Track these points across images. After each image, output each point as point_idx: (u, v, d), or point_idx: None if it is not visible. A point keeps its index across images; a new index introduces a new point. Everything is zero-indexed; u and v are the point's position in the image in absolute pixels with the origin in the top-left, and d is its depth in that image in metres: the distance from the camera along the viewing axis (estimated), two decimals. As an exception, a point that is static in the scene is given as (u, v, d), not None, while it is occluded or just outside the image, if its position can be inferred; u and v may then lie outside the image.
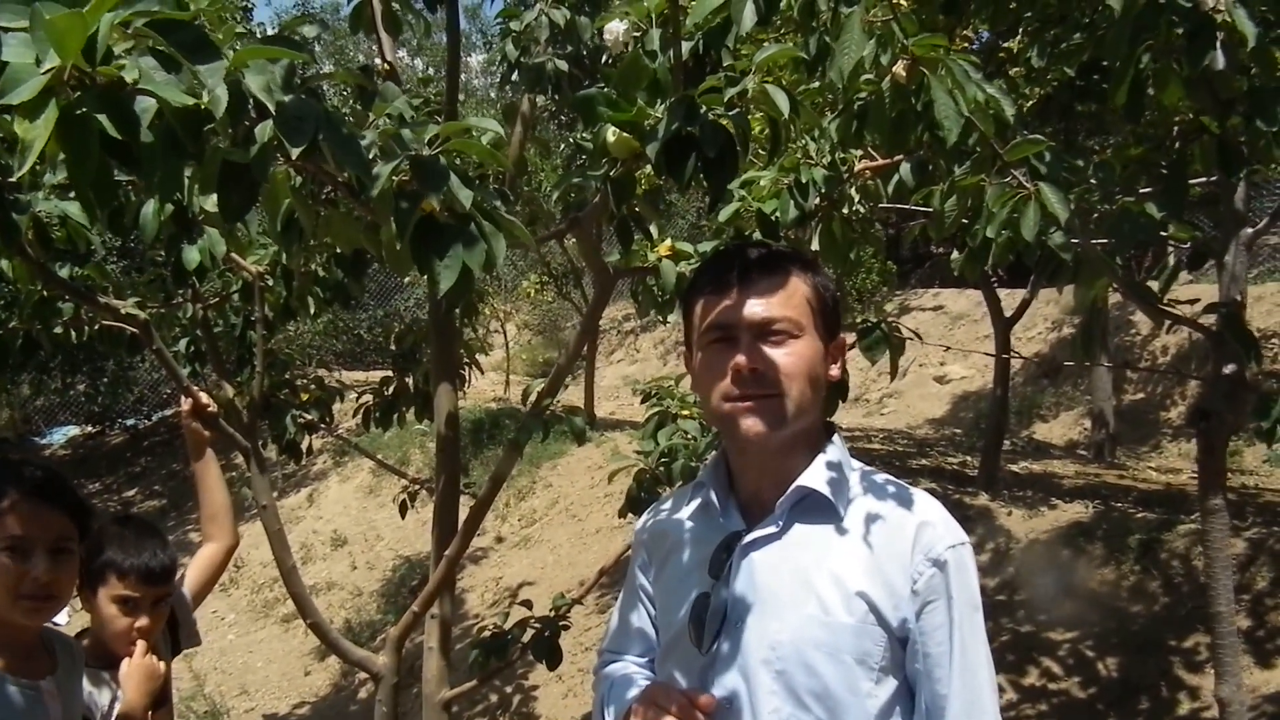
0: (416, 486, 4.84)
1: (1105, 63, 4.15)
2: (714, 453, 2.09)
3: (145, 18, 1.16)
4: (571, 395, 11.46)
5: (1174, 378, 11.66)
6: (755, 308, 1.76)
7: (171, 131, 1.21)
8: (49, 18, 1.07)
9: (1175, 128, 4.44)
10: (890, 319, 3.60)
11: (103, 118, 1.12)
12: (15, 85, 1.09)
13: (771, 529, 1.79)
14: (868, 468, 1.88)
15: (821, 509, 1.78)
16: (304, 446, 4.60)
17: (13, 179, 1.87)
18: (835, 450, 1.84)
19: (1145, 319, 12.35)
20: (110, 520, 2.69)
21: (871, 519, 1.76)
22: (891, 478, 1.86)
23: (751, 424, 1.75)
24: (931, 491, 1.85)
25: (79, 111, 1.13)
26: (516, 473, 9.81)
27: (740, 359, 1.75)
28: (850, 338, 3.27)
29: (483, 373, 5.05)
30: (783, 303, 1.77)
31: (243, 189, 1.51)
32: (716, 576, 1.80)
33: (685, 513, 1.95)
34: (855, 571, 1.71)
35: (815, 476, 1.78)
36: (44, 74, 1.11)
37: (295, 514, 11.35)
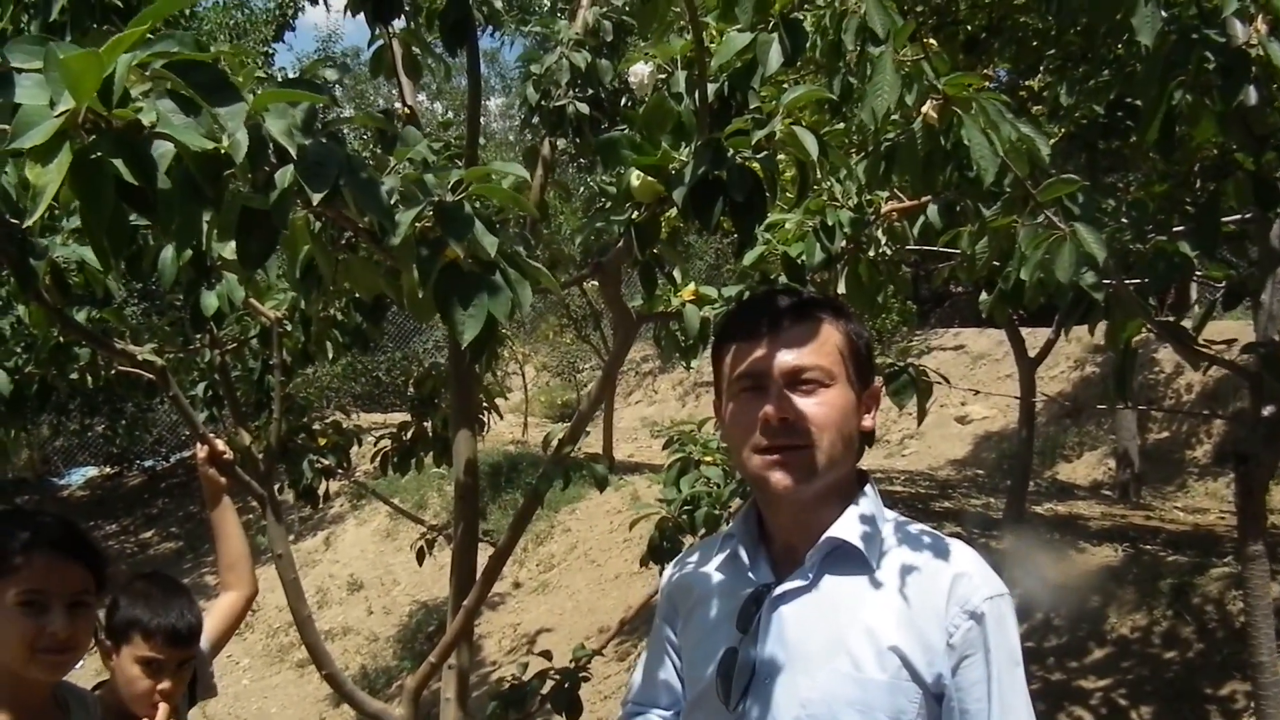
0: (435, 534, 4.78)
1: (1130, 100, 4.11)
2: (743, 503, 2.03)
3: (164, 59, 1.11)
4: (590, 439, 11.39)
5: (1199, 417, 11.55)
6: (785, 356, 1.71)
7: (190, 177, 1.16)
8: (63, 58, 1.02)
9: (1197, 164, 4.39)
10: (916, 362, 3.54)
11: (118, 162, 1.07)
12: (28, 128, 1.05)
13: (801, 582, 1.73)
14: (902, 518, 1.82)
15: (853, 561, 1.71)
16: (321, 491, 4.55)
17: (24, 225, 1.82)
18: (868, 501, 1.78)
19: (1169, 357, 12.27)
20: (136, 577, 2.63)
21: (905, 570, 1.70)
22: (926, 528, 1.79)
23: (781, 477, 1.69)
24: (956, 535, 1.78)
25: (93, 156, 1.08)
26: (535, 518, 9.73)
27: (769, 409, 1.69)
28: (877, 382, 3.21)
29: (501, 417, 5.00)
30: (814, 351, 1.72)
31: (262, 235, 1.46)
32: (745, 631, 1.74)
33: (713, 564, 1.90)
34: (888, 625, 1.65)
35: (847, 527, 1.72)
36: (58, 117, 1.06)
37: (311, 558, 11.30)
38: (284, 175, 1.36)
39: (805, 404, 1.69)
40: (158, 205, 1.13)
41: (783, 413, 1.69)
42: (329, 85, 1.47)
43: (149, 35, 1.10)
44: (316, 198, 1.35)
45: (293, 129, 1.29)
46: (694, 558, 1.98)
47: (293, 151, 1.30)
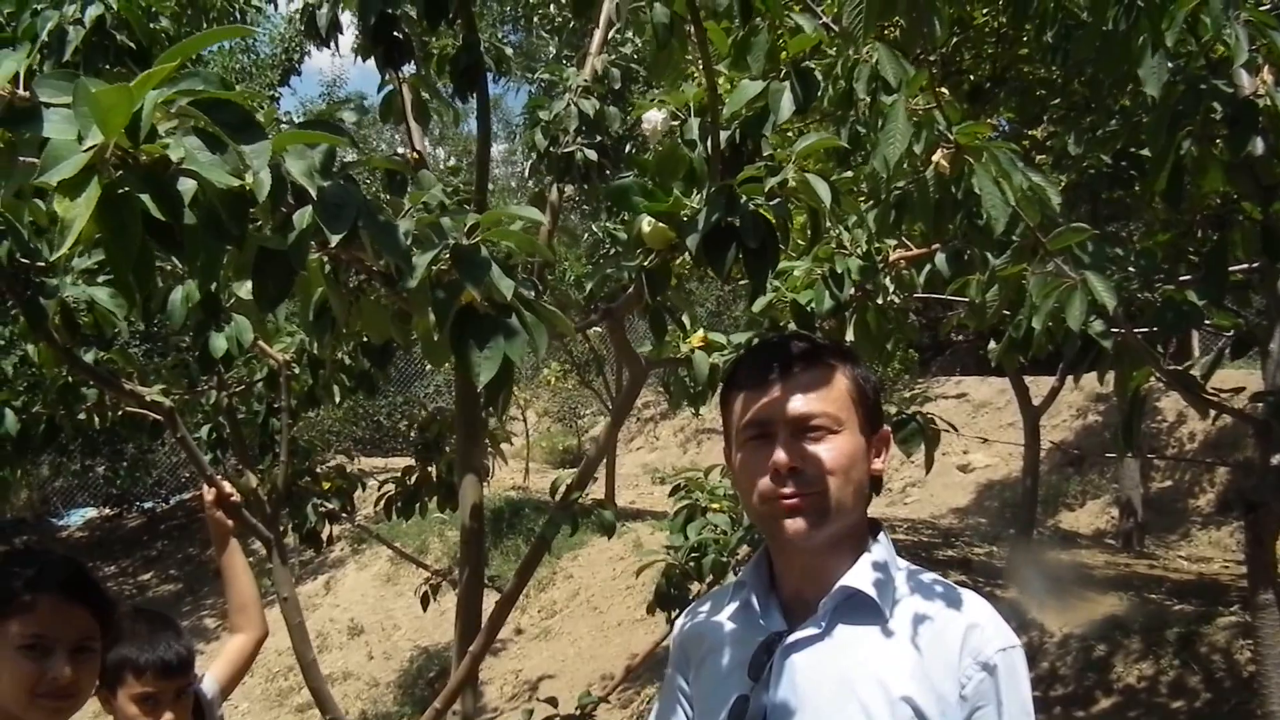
0: (439, 579, 4.75)
1: (1135, 150, 4.13)
2: (754, 551, 2.02)
3: (189, 96, 1.11)
4: (592, 485, 11.37)
5: (1202, 466, 11.52)
6: (794, 404, 1.70)
7: (214, 214, 1.16)
8: (94, 92, 1.02)
9: (1199, 214, 4.41)
10: (922, 410, 3.54)
11: (145, 198, 1.07)
12: (56, 162, 1.05)
13: (814, 630, 1.70)
14: (915, 567, 1.80)
15: (866, 610, 1.69)
16: (324, 535, 4.53)
17: (52, 259, 1.82)
18: (881, 549, 1.76)
19: (1171, 406, 12.26)
20: (121, 615, 2.62)
21: (918, 620, 1.68)
22: (940, 577, 1.78)
23: (791, 524, 1.68)
24: (960, 584, 1.76)
25: (121, 191, 1.08)
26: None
27: (779, 456, 1.68)
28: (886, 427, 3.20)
29: (506, 462, 4.98)
30: (822, 398, 1.71)
31: (279, 276, 1.46)
32: (756, 679, 1.72)
33: (725, 613, 1.87)
34: (900, 676, 1.62)
35: (860, 576, 1.71)
36: (86, 151, 1.06)
37: (312, 601, 11.23)
38: (302, 216, 1.36)
39: (815, 450, 1.68)
40: (184, 241, 1.12)
41: (792, 460, 1.67)
42: (348, 128, 1.48)
43: (175, 74, 1.10)
44: (335, 239, 1.35)
45: (312, 170, 1.29)
46: (706, 606, 1.96)
47: (313, 192, 1.30)
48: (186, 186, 1.16)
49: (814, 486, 1.67)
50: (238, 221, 1.18)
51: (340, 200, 1.38)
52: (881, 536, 1.79)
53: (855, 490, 1.71)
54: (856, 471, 1.71)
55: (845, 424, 1.71)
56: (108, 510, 15.56)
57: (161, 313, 2.95)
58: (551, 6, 12.41)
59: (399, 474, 4.67)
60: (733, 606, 1.86)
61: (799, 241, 3.07)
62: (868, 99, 2.61)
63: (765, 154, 2.53)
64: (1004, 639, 1.65)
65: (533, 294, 1.75)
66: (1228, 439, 11.55)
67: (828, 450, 1.68)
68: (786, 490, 1.68)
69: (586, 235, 11.38)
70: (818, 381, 1.72)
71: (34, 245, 2.51)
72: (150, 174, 1.08)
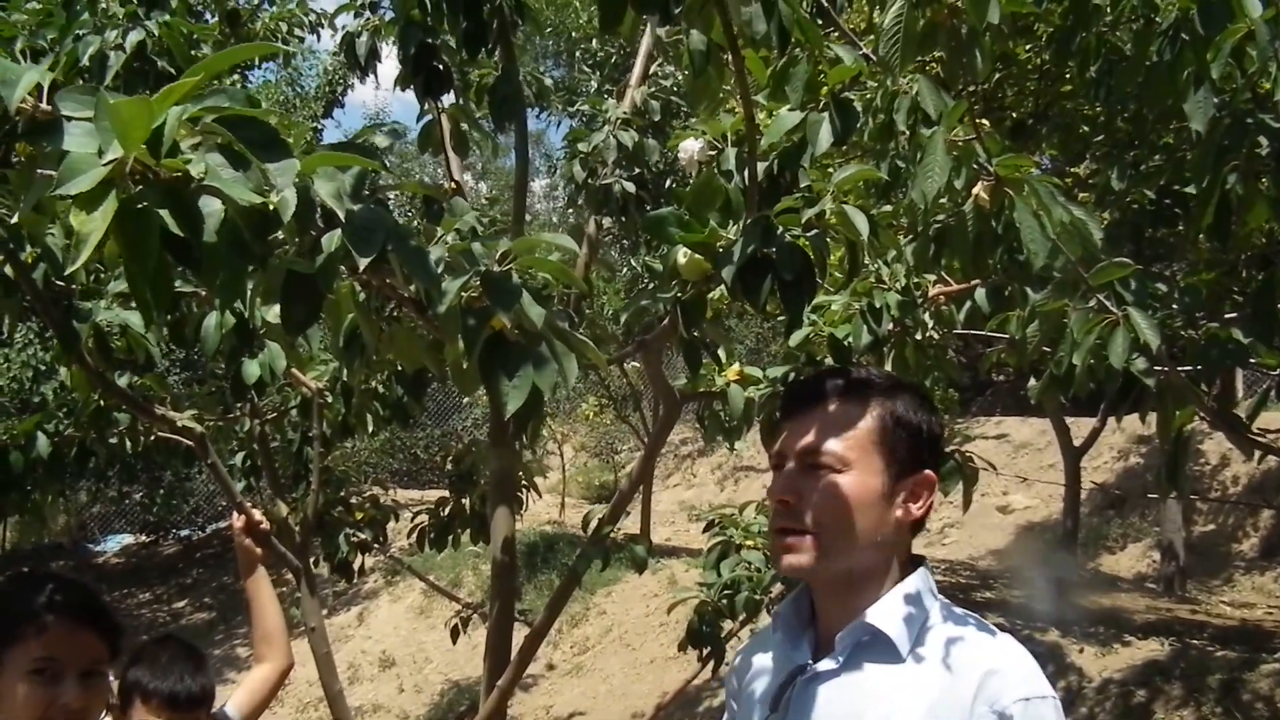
0: (470, 612, 4.72)
1: (1178, 186, 4.08)
2: (789, 588, 1.99)
3: (215, 114, 1.10)
4: (627, 521, 11.33)
5: (1245, 509, 11.34)
6: (802, 437, 1.68)
7: (236, 232, 1.14)
8: (112, 103, 1.01)
9: (1245, 253, 4.34)
10: (960, 449, 3.49)
11: (164, 213, 1.06)
12: (74, 175, 1.04)
13: (831, 665, 1.66)
14: (952, 606, 1.74)
15: (886, 646, 1.64)
16: (356, 566, 4.52)
17: (67, 272, 1.82)
18: (915, 580, 1.71)
19: (1215, 448, 12.09)
20: (151, 640, 2.61)
21: (938, 662, 1.62)
22: (975, 616, 1.72)
23: (785, 559, 1.67)
24: (998, 628, 1.70)
25: (140, 205, 1.07)
26: (571, 599, 9.67)
27: (772, 487, 1.69)
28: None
29: (540, 496, 4.96)
30: (834, 435, 1.67)
31: (307, 300, 1.44)
32: (774, 710, 1.70)
33: (768, 645, 1.85)
34: (911, 716, 1.57)
35: (882, 611, 1.66)
36: (105, 165, 1.05)
37: (344, 632, 11.22)
38: (331, 239, 1.34)
39: (810, 487, 1.66)
40: (203, 259, 1.11)
41: (783, 494, 1.67)
42: (380, 151, 1.46)
43: (201, 90, 1.09)
44: (363, 263, 1.33)
45: (341, 193, 1.28)
46: (759, 638, 1.95)
47: (341, 215, 1.28)
48: (214, 207, 1.15)
49: (803, 523, 1.65)
50: (260, 240, 1.16)
51: (370, 224, 1.36)
52: (922, 570, 1.74)
53: (861, 533, 1.65)
54: (861, 514, 1.65)
55: (852, 465, 1.66)
56: (144, 537, 15.67)
57: (196, 339, 2.95)
58: (594, 41, 12.50)
59: (432, 505, 4.66)
60: (777, 638, 1.84)
61: (836, 275, 3.03)
62: (907, 131, 2.58)
63: (803, 185, 2.50)
64: (1027, 689, 1.56)
65: (566, 324, 1.72)
66: (1272, 482, 11.38)
67: (825, 489, 1.65)
68: (783, 525, 1.67)
69: (626, 270, 11.38)
70: (838, 418, 1.69)
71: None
72: (170, 189, 1.06)
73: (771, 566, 3.67)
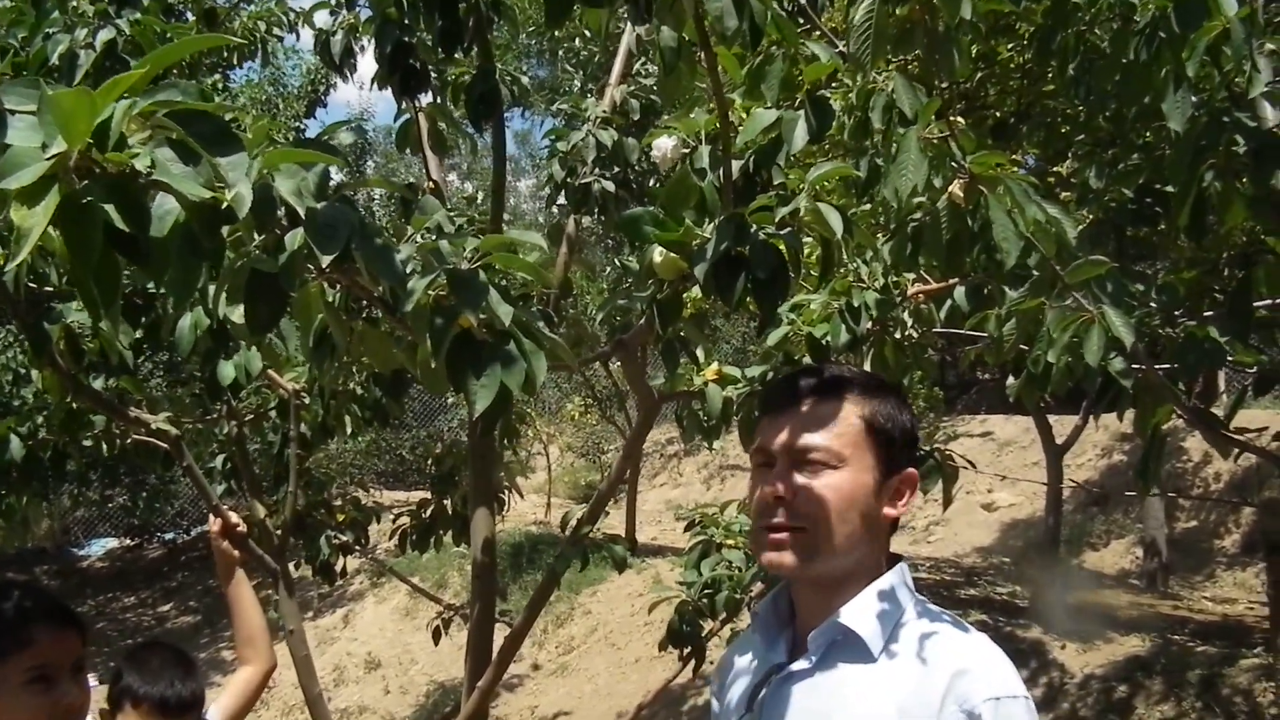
0: (451, 613, 4.71)
1: (1159, 185, 4.08)
2: (770, 586, 1.99)
3: (166, 108, 1.08)
4: (613, 520, 11.31)
5: (1227, 505, 11.38)
6: (794, 434, 1.67)
7: (187, 228, 1.12)
8: (54, 95, 1.00)
9: (1226, 252, 4.34)
10: (942, 447, 3.48)
11: (109, 208, 1.04)
12: (15, 169, 1.02)
13: (804, 664, 1.67)
14: (928, 604, 1.73)
15: (858, 647, 1.64)
16: (338, 568, 4.50)
17: (8, 268, 1.80)
18: (891, 577, 1.70)
19: (1197, 446, 12.14)
20: (140, 645, 2.61)
21: (909, 661, 1.61)
22: (950, 615, 1.70)
23: (773, 556, 1.66)
24: (981, 625, 1.69)
25: (84, 200, 1.05)
26: (555, 599, 9.66)
27: (767, 486, 1.66)
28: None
29: (523, 497, 4.96)
30: (825, 432, 1.66)
31: (271, 300, 1.43)
32: (748, 709, 1.71)
33: (750, 644, 1.86)
34: (881, 716, 1.57)
35: (855, 611, 1.65)
36: (48, 159, 1.03)
37: (330, 634, 11.19)
38: (294, 238, 1.33)
39: (807, 484, 1.64)
40: (150, 255, 1.09)
41: (781, 490, 1.65)
42: (343, 148, 1.44)
43: (150, 84, 1.07)
44: (326, 260, 1.31)
45: (303, 189, 1.26)
46: (743, 637, 1.95)
47: (301, 212, 1.27)
48: (169, 205, 1.13)
49: (801, 521, 1.64)
50: (210, 235, 1.14)
51: (333, 221, 1.35)
52: (893, 573, 1.73)
53: (853, 531, 1.65)
54: (855, 511, 1.65)
55: (846, 461, 1.66)
56: (128, 541, 15.60)
57: (171, 340, 2.93)
58: (577, 41, 12.48)
59: (414, 507, 4.65)
60: (755, 638, 1.84)
61: (814, 274, 3.02)
62: (883, 129, 2.57)
63: (778, 183, 2.49)
64: (997, 688, 1.54)
65: (541, 323, 1.71)
66: (1252, 480, 11.42)
67: (821, 485, 1.64)
68: (774, 521, 1.65)
69: (609, 269, 11.36)
70: (826, 414, 1.68)
71: (40, 270, 2.50)
72: (116, 184, 1.04)
73: (754, 564, 3.67)
